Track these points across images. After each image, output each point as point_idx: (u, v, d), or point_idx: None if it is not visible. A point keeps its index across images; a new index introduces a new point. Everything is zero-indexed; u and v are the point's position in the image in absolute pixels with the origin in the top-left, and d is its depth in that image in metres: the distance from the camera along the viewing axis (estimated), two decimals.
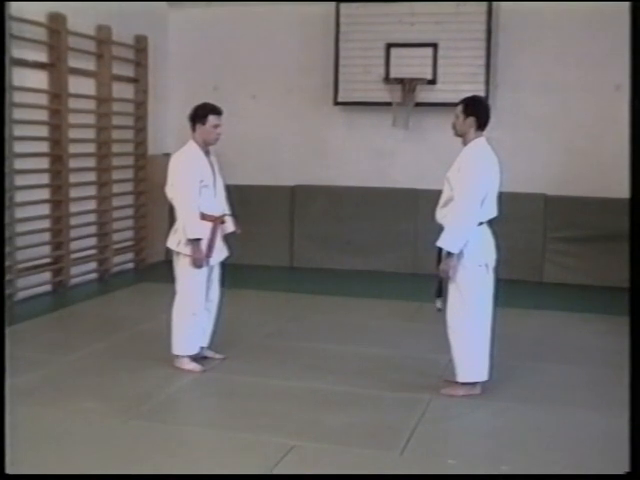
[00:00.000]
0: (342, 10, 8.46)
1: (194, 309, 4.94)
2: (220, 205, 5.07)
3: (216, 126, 4.91)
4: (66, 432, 3.99)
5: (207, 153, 4.99)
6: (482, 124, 4.58)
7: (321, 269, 8.41)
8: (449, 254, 4.47)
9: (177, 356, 5.01)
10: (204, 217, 4.88)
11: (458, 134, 4.67)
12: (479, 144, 4.59)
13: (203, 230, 4.87)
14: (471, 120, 4.55)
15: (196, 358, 5.08)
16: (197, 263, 4.85)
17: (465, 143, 4.61)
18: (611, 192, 7.83)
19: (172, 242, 4.98)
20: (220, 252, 5.08)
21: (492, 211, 4.60)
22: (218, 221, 4.99)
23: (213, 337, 5.21)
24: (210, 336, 5.18)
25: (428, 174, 8.69)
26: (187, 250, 4.86)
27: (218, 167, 5.09)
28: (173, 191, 4.92)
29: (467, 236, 4.43)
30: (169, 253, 9.11)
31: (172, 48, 9.21)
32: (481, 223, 4.53)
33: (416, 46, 8.27)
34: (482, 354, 4.57)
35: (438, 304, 4.76)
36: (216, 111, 4.92)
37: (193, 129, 4.94)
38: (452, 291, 4.61)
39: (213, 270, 5.10)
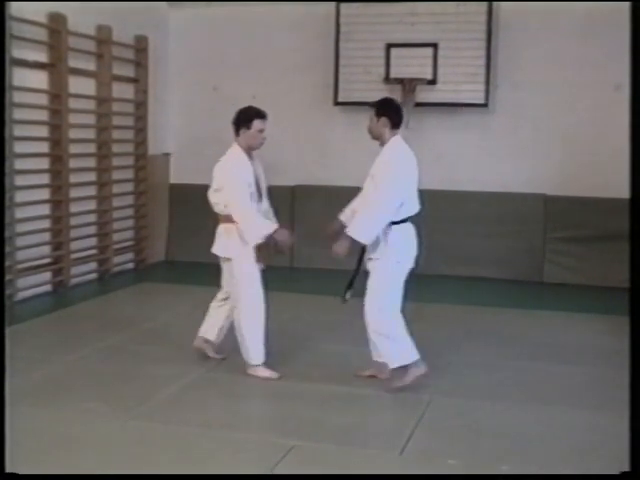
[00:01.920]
0: (342, 10, 8.46)
1: (261, 317, 4.86)
2: (266, 212, 4.97)
3: (261, 130, 4.85)
4: (66, 432, 3.99)
5: (251, 158, 4.89)
6: (395, 123, 4.68)
7: (321, 269, 8.40)
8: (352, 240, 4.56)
9: (252, 366, 4.90)
10: None
11: (374, 137, 4.75)
12: (397, 142, 4.69)
13: (266, 228, 4.74)
14: (384, 120, 4.65)
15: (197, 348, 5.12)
16: (284, 247, 4.81)
17: (382, 144, 4.70)
18: (611, 192, 7.83)
19: (219, 248, 4.89)
20: (266, 259, 4.96)
21: (413, 208, 4.68)
22: None
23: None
24: (223, 335, 5.16)
25: (428, 174, 8.66)
26: (242, 256, 4.79)
27: (262, 172, 5.00)
28: (218, 196, 4.82)
29: (377, 230, 4.53)
30: (169, 253, 9.22)
31: (172, 48, 9.21)
32: (404, 220, 4.62)
33: (416, 46, 8.26)
34: (403, 338, 4.67)
35: (347, 295, 4.84)
36: (261, 115, 4.85)
37: (237, 134, 4.86)
38: (371, 285, 4.68)
39: None
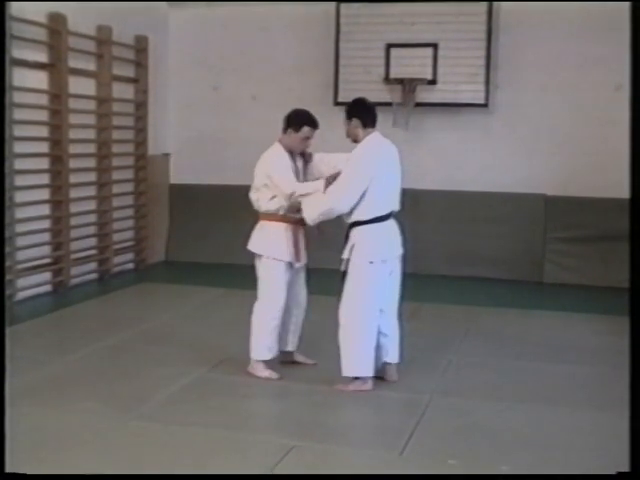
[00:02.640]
0: (342, 10, 8.46)
1: (275, 314, 4.85)
2: None
3: (307, 138, 4.85)
4: (66, 432, 3.99)
5: (292, 155, 4.87)
6: (368, 122, 4.66)
7: (321, 269, 8.37)
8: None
9: (254, 362, 4.89)
10: (285, 219, 4.80)
11: (352, 140, 4.74)
12: (371, 140, 4.66)
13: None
14: (355, 122, 4.65)
15: (284, 362, 5.05)
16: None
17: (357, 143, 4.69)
18: (611, 192, 7.83)
19: (252, 244, 4.89)
20: (305, 255, 4.96)
21: (387, 206, 4.67)
22: (300, 223, 4.83)
23: (300, 342, 5.16)
24: (298, 340, 5.12)
25: (428, 174, 8.70)
26: (269, 252, 4.79)
27: (304, 170, 4.96)
28: (257, 194, 4.85)
29: (322, 217, 4.59)
30: (169, 253, 9.23)
31: (172, 48, 9.21)
32: (378, 219, 4.59)
33: (416, 46, 8.26)
34: (367, 350, 4.61)
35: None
36: (313, 124, 4.86)
37: (284, 131, 4.86)
38: (345, 286, 4.65)
39: (299, 274, 5.03)
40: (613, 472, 2.89)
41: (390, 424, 4.18)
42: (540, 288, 8.14)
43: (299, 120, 4.83)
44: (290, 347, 5.10)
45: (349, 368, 4.65)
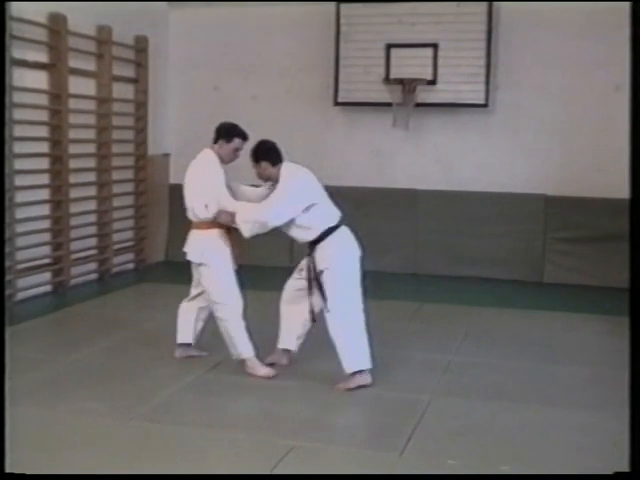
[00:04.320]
0: (342, 10, 8.46)
1: (241, 312, 4.91)
2: None
3: (237, 149, 4.93)
4: (66, 432, 3.99)
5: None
6: (276, 161, 4.84)
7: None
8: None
9: (248, 363, 4.95)
10: (221, 225, 4.85)
11: (266, 180, 4.92)
12: (286, 166, 4.84)
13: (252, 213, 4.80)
14: (264, 164, 4.83)
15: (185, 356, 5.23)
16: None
17: (275, 181, 4.82)
18: (611, 192, 7.83)
19: (194, 254, 4.92)
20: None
21: (332, 218, 4.84)
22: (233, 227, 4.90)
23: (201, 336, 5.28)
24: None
25: (428, 174, 8.71)
26: (211, 259, 4.85)
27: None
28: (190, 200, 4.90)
29: (260, 229, 4.78)
30: (169, 253, 9.22)
31: (172, 48, 9.21)
32: (334, 228, 4.80)
33: (416, 46, 8.25)
34: (363, 343, 4.75)
35: None
36: (243, 136, 4.94)
37: (215, 141, 4.93)
38: (329, 292, 4.77)
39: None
40: (612, 472, 2.89)
41: (390, 424, 4.18)
42: (540, 288, 8.14)
43: (230, 132, 4.92)
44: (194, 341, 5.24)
45: (351, 364, 4.72)
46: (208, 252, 4.87)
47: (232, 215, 4.76)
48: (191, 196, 4.88)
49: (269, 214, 4.72)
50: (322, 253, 4.77)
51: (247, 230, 4.75)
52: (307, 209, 4.74)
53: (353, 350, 4.72)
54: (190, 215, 4.93)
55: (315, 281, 4.80)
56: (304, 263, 4.93)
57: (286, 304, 5.10)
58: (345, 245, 4.86)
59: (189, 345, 5.26)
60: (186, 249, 4.97)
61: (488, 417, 4.35)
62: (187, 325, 5.23)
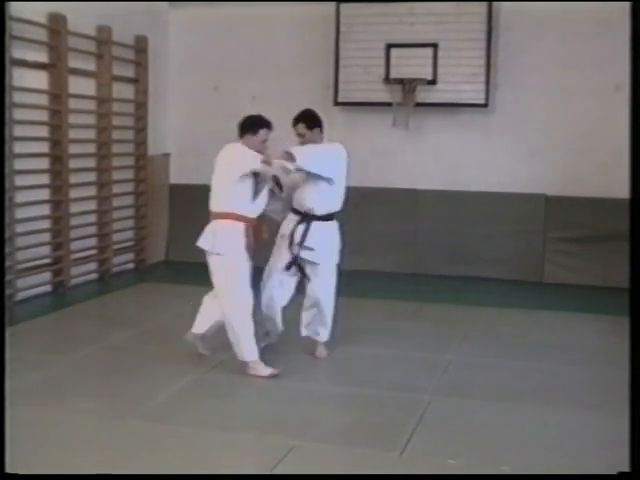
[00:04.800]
0: (342, 10, 8.46)
1: (250, 311, 4.90)
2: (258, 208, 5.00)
3: (264, 141, 4.95)
4: (66, 432, 3.99)
5: None
6: (322, 126, 5.24)
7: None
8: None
9: (250, 364, 4.93)
10: (240, 218, 4.86)
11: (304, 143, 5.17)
12: (329, 144, 5.28)
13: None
14: (317, 130, 5.18)
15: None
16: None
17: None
18: (611, 192, 7.84)
19: (207, 242, 4.93)
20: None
21: (339, 204, 5.24)
22: (251, 223, 4.92)
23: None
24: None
25: (428, 174, 8.71)
26: (227, 249, 4.85)
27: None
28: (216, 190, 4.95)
29: (288, 170, 4.94)
30: (169, 253, 9.22)
31: (172, 48, 9.21)
32: (332, 215, 5.23)
33: (416, 46, 8.25)
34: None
35: None
36: (267, 125, 4.98)
37: (241, 137, 4.95)
38: (318, 277, 5.22)
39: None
40: (613, 472, 2.89)
41: (390, 424, 4.18)
42: (540, 288, 8.14)
43: (256, 124, 4.95)
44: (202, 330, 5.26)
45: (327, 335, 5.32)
46: (225, 241, 4.84)
47: (270, 163, 4.82)
48: (223, 180, 4.85)
49: (304, 157, 4.87)
50: (316, 234, 5.08)
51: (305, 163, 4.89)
52: (328, 181, 5.01)
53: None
54: (213, 205, 4.92)
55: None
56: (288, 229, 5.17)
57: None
58: (336, 241, 5.25)
59: (201, 336, 5.24)
60: (202, 238, 4.95)
61: (488, 417, 4.35)
62: (203, 317, 5.21)
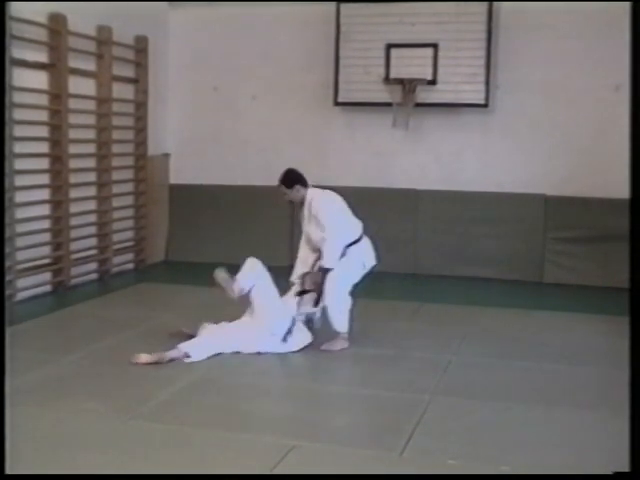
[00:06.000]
0: (342, 10, 8.46)
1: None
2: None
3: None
4: (66, 432, 3.99)
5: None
6: (305, 183, 5.65)
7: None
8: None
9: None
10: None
11: (299, 201, 5.67)
12: (315, 192, 5.64)
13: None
14: (298, 186, 5.59)
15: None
16: None
17: (302, 200, 5.64)
18: (611, 192, 7.84)
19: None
20: None
21: (356, 230, 5.73)
22: None
23: None
24: None
25: (428, 174, 8.71)
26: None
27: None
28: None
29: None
30: (169, 253, 9.22)
31: (172, 48, 9.21)
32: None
33: (416, 46, 8.25)
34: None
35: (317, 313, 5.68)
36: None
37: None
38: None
39: None
40: (612, 472, 2.89)
41: (390, 424, 4.18)
42: (540, 288, 8.14)
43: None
44: None
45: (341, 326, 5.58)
46: None
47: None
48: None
49: (336, 239, 5.43)
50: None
51: (334, 263, 5.45)
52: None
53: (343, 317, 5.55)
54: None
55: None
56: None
57: None
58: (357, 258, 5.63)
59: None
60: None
61: (488, 417, 4.35)
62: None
